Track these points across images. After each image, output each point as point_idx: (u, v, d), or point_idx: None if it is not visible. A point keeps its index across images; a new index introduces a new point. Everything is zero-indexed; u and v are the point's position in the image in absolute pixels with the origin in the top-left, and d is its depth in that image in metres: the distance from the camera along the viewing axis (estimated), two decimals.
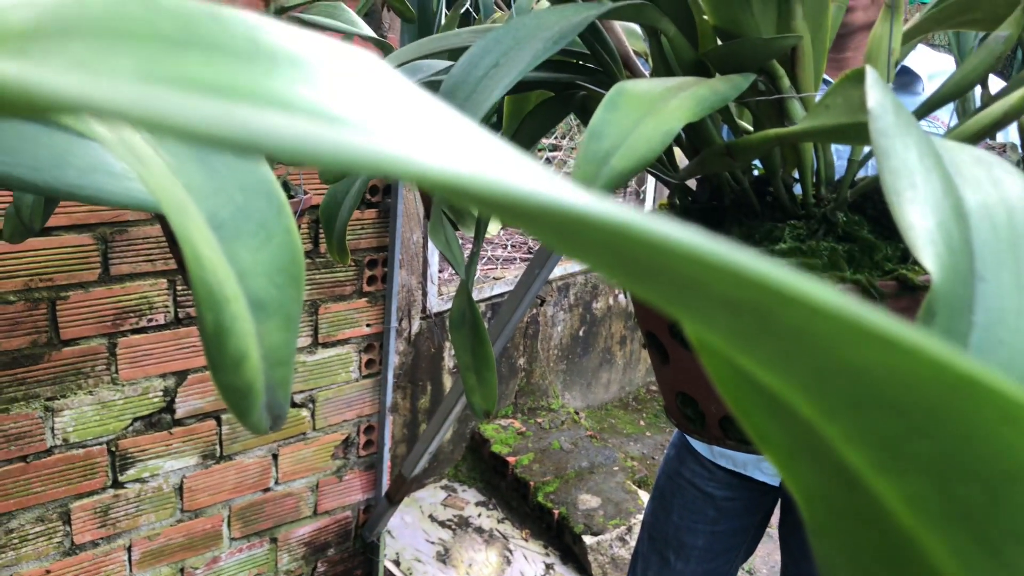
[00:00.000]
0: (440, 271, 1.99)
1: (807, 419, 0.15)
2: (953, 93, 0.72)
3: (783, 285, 0.11)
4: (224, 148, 0.13)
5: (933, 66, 1.05)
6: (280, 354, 0.39)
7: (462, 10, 1.19)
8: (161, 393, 1.50)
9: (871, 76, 0.53)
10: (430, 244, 1.84)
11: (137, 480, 1.51)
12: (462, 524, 1.94)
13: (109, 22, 0.17)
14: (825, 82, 0.87)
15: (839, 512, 0.18)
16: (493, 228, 0.93)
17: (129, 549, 1.53)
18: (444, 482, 2.08)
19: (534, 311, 2.40)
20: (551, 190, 0.12)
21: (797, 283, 0.11)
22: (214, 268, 0.35)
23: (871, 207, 0.70)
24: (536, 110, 0.78)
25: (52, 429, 1.40)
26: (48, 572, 1.45)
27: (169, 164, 0.34)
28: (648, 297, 0.14)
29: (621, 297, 2.63)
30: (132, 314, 1.42)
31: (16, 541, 1.40)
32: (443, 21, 1.12)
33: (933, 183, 0.46)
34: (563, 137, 3.54)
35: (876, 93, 0.51)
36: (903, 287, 0.63)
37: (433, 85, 0.72)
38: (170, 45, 0.16)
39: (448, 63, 0.75)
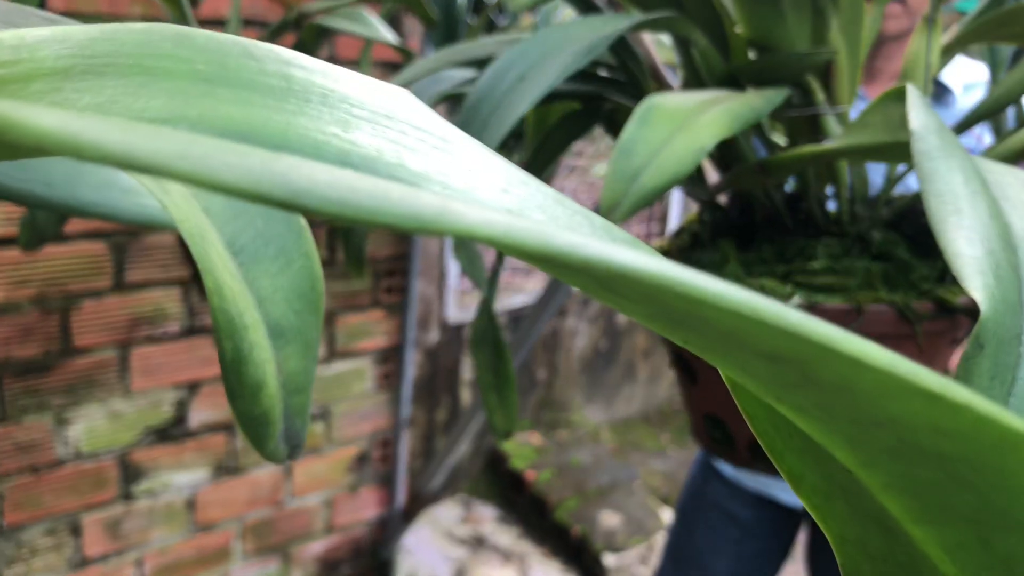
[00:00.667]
0: (459, 280, 1.97)
1: (844, 466, 0.16)
2: (991, 110, 0.69)
3: (826, 338, 0.11)
4: (264, 203, 0.12)
5: (968, 76, 1.02)
6: (298, 381, 0.38)
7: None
8: (174, 404, 1.48)
9: (913, 95, 0.50)
10: (449, 252, 1.83)
11: (148, 493, 1.49)
12: (479, 541, 1.92)
13: (142, 60, 0.17)
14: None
15: (875, 557, 0.18)
16: None
17: (140, 563, 1.52)
18: (461, 497, 2.06)
19: (554, 324, 2.38)
20: (594, 244, 0.12)
21: (840, 336, 0.11)
22: (234, 297, 0.33)
23: (907, 226, 0.68)
24: (562, 122, 0.76)
25: (63, 440, 1.38)
26: None
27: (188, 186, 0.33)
28: (686, 345, 0.15)
29: None
30: (145, 323, 1.41)
31: (27, 554, 1.39)
32: (463, 29, 1.11)
33: (979, 208, 0.44)
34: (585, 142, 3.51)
35: (919, 113, 0.49)
36: (940, 308, 0.61)
37: (457, 98, 0.70)
38: (204, 83, 0.16)
39: (473, 73, 0.73)
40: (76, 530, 1.43)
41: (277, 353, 0.36)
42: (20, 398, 1.32)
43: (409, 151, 0.16)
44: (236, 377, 0.35)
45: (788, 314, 0.11)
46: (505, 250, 0.12)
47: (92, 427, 1.40)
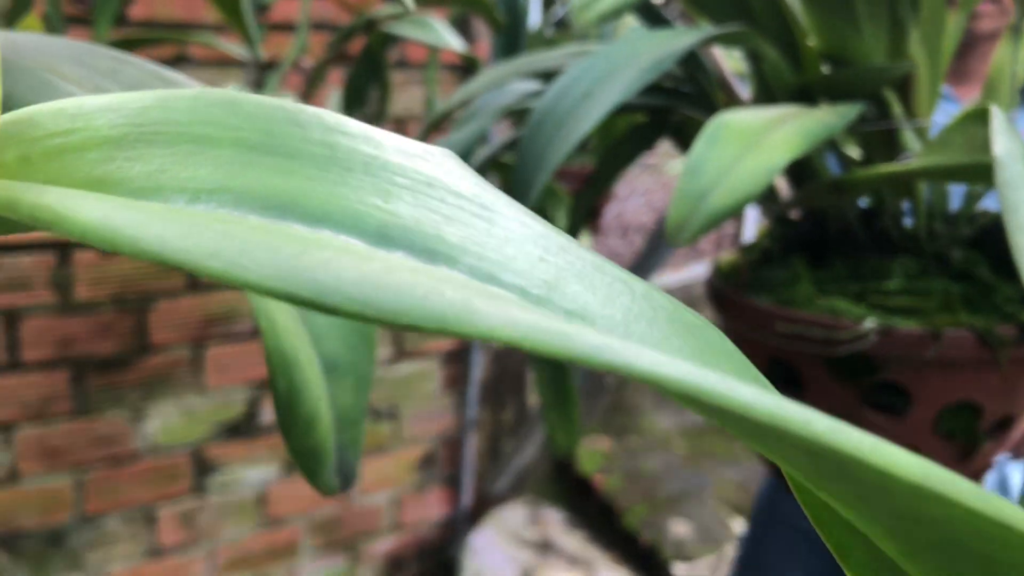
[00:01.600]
0: None
1: (887, 553, 0.16)
2: None
3: (856, 450, 0.12)
4: (289, 302, 0.13)
5: None
6: (351, 415, 0.39)
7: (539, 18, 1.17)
8: (245, 401, 1.51)
9: (997, 118, 0.48)
10: None
11: (220, 487, 1.52)
12: (545, 545, 1.91)
13: (192, 127, 0.17)
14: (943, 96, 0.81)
15: None
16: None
17: (213, 555, 1.55)
18: (528, 500, 2.05)
19: None
20: (614, 349, 0.12)
21: (869, 448, 0.12)
22: (288, 335, 0.34)
23: (991, 244, 0.65)
24: (628, 135, 0.75)
25: (140, 434, 1.42)
26: (136, 574, 1.48)
27: None
28: (732, 433, 0.15)
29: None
30: (218, 322, 1.44)
31: (107, 542, 1.43)
32: (524, 32, 1.10)
33: None
34: None
35: (1003, 138, 0.47)
36: None
37: (520, 113, 0.69)
38: (248, 152, 0.17)
39: (538, 85, 0.72)
40: (151, 520, 1.47)
41: (331, 388, 0.37)
42: (100, 392, 1.36)
43: (447, 221, 0.17)
44: (289, 412, 0.35)
45: (816, 423, 0.12)
46: (580, 364, 0.13)
47: (167, 422, 1.44)
